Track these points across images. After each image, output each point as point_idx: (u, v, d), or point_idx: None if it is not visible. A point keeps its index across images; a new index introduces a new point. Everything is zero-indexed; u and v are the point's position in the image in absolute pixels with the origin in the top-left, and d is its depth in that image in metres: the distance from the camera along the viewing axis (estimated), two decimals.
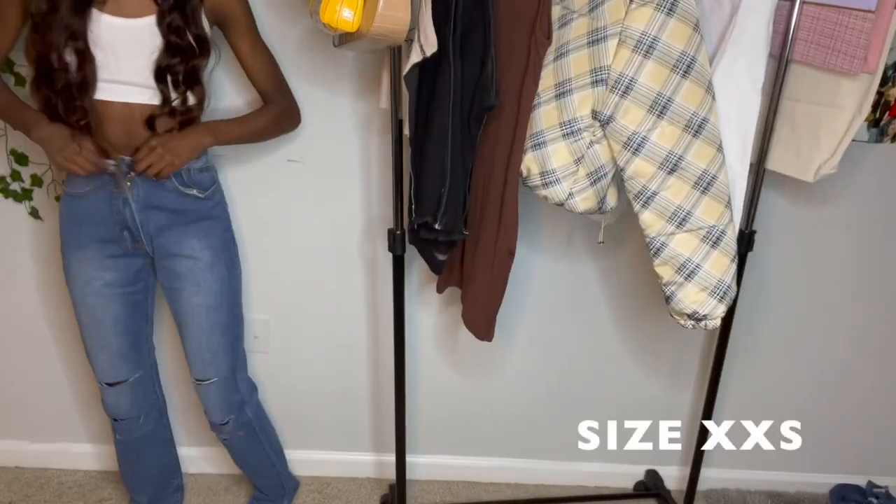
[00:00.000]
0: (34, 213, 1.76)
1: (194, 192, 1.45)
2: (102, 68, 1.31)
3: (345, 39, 1.31)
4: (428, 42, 1.23)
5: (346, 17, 1.21)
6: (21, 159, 1.69)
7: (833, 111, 1.41)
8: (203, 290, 1.49)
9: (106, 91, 1.33)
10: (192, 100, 1.38)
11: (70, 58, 1.28)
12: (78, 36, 1.28)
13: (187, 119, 1.40)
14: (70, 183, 1.43)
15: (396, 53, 1.34)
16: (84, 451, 2.04)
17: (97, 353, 1.54)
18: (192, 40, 1.34)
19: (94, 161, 1.33)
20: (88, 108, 1.33)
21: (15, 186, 1.72)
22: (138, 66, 1.32)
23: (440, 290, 1.66)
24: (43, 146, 1.34)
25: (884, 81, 1.51)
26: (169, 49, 1.32)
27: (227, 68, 1.58)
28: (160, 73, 1.33)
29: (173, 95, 1.35)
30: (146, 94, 1.34)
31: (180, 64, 1.33)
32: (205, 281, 1.49)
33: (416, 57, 1.25)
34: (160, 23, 1.31)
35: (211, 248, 1.49)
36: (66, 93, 1.30)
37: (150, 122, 1.36)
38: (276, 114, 1.52)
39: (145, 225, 1.43)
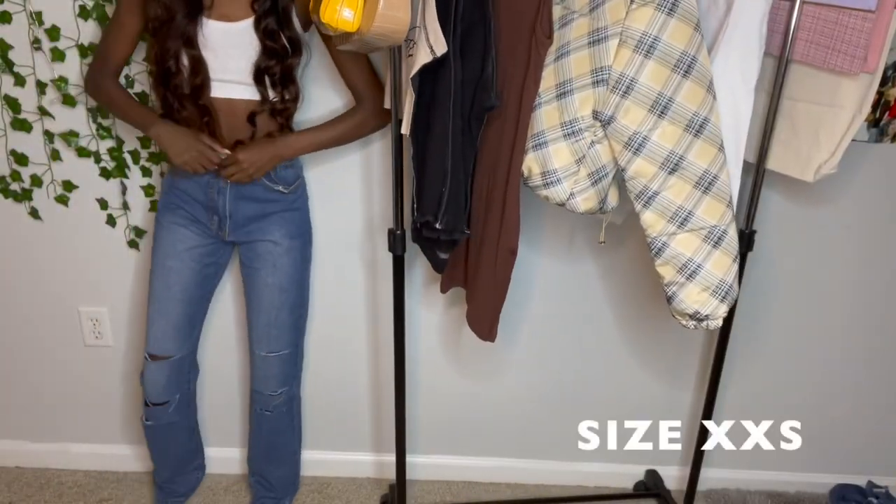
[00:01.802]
0: (34, 214, 1.76)
1: (280, 187, 1.57)
2: (210, 69, 1.42)
3: (345, 39, 1.31)
4: (438, 42, 1.23)
5: (347, 16, 1.21)
6: (21, 159, 1.69)
7: (833, 111, 1.40)
8: (278, 272, 1.61)
9: (212, 89, 1.44)
10: (287, 97, 1.47)
11: (186, 62, 1.40)
12: (192, 42, 1.39)
13: (285, 115, 1.50)
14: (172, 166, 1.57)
15: (396, 53, 1.34)
16: (84, 451, 2.04)
17: (157, 319, 1.63)
18: (285, 42, 1.42)
19: (214, 159, 1.45)
20: (209, 106, 1.45)
21: (15, 186, 1.72)
22: (239, 65, 1.42)
23: (444, 290, 1.66)
24: (160, 143, 1.46)
25: (884, 81, 1.51)
26: (265, 52, 1.42)
27: (327, 71, 1.61)
28: (258, 75, 1.43)
29: (271, 94, 1.46)
30: (247, 91, 1.45)
31: (276, 66, 1.43)
32: (281, 265, 1.61)
33: (424, 58, 1.25)
34: (257, 27, 1.41)
35: (291, 236, 1.61)
36: (182, 93, 1.42)
37: (251, 118, 1.47)
38: (355, 120, 1.57)
39: (234, 214, 1.56)
